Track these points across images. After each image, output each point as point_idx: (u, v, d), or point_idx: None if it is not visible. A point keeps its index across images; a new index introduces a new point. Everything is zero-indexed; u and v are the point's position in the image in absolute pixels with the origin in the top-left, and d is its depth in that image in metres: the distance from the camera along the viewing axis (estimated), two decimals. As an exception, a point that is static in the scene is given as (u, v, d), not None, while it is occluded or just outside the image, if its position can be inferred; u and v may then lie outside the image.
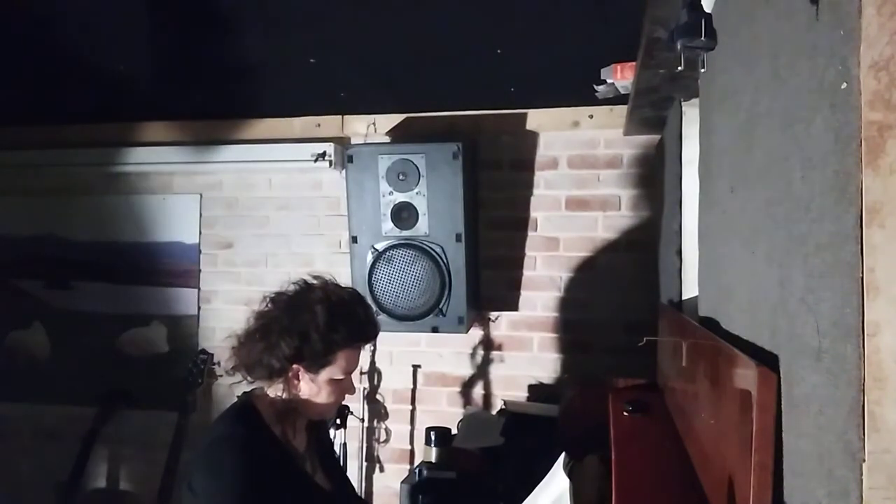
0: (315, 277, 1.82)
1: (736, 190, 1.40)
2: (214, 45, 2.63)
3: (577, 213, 3.13)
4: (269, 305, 1.78)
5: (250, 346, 1.73)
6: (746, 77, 1.30)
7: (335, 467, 1.98)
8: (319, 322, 1.70)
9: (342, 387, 1.79)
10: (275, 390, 1.76)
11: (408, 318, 2.96)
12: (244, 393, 1.81)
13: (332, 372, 1.74)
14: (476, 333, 3.21)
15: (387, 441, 3.31)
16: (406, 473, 2.80)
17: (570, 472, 1.65)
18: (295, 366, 1.72)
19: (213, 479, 1.63)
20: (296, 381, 1.74)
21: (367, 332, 1.82)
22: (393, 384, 3.31)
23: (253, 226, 3.44)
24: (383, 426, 3.31)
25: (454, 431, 2.77)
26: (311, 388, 1.74)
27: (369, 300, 2.92)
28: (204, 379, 3.31)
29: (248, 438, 1.67)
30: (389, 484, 3.23)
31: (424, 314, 2.94)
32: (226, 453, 1.64)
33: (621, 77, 2.54)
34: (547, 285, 3.16)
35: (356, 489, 2.19)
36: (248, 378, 1.77)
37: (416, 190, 2.91)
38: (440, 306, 2.92)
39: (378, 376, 3.32)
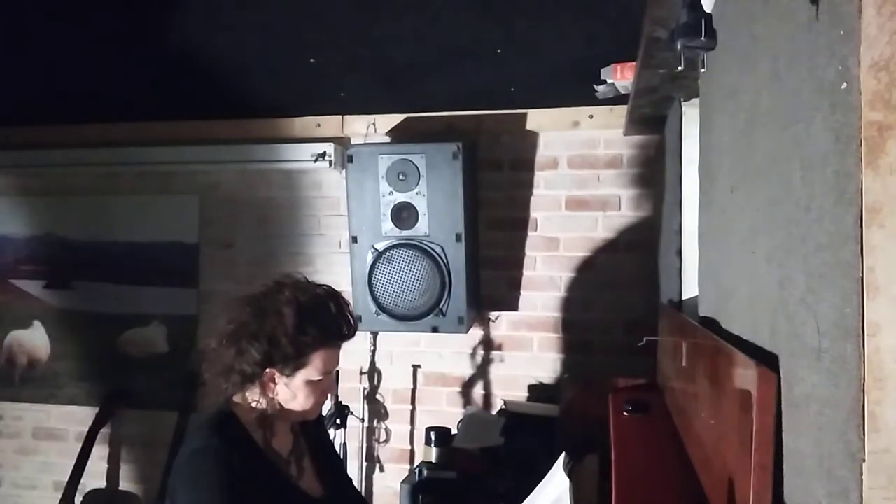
0: (286, 277, 1.77)
1: (736, 190, 1.40)
2: (215, 45, 2.63)
3: (577, 213, 3.13)
4: (238, 309, 1.73)
5: (222, 351, 1.70)
6: (746, 77, 1.30)
7: (332, 467, 1.93)
8: (288, 325, 1.66)
9: (321, 387, 1.74)
10: (252, 395, 1.72)
11: (408, 318, 2.95)
12: (226, 399, 1.77)
13: (308, 374, 1.70)
14: (476, 333, 3.20)
15: (387, 441, 3.31)
16: (406, 473, 2.80)
17: (570, 472, 1.65)
18: (268, 370, 1.68)
19: (193, 492, 1.60)
20: (272, 385, 1.70)
21: (339, 332, 1.74)
22: (393, 384, 3.30)
23: (253, 226, 3.44)
24: (383, 426, 3.31)
25: (454, 431, 2.77)
26: (288, 391, 1.71)
27: (369, 300, 2.96)
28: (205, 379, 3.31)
29: (225, 448, 1.63)
30: (389, 484, 3.23)
31: (424, 314, 2.93)
32: (203, 466, 1.61)
33: (621, 77, 2.54)
34: (547, 285, 3.16)
35: (357, 488, 2.16)
36: (225, 384, 1.73)
37: (416, 190, 2.91)
38: (440, 306, 2.92)
39: (378, 376, 3.31)
